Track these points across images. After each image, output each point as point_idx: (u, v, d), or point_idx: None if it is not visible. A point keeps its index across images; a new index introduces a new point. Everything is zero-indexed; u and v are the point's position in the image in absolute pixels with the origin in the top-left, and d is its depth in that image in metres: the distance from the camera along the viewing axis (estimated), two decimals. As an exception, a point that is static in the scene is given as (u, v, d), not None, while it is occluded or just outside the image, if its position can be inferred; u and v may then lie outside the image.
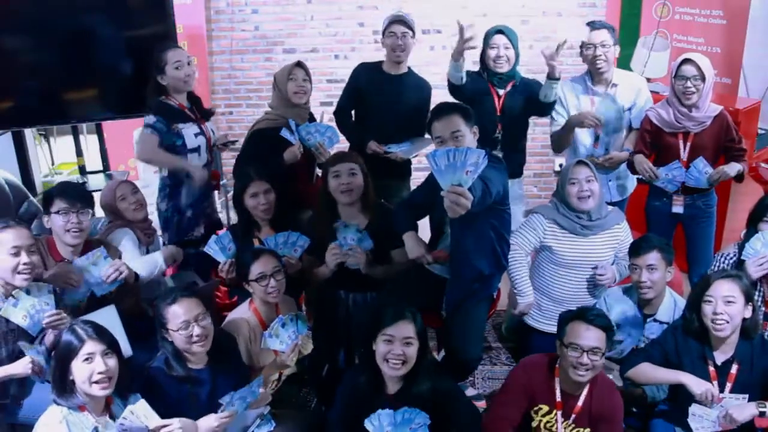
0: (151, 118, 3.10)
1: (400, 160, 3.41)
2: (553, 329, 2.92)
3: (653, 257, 2.68)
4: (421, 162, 3.39)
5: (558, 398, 2.36)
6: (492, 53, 3.19)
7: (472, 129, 2.59)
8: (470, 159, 2.06)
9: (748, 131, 3.73)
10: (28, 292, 2.37)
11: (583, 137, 3.37)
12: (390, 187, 3.45)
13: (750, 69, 4.17)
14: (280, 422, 2.43)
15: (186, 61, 3.15)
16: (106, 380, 2.07)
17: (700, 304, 2.38)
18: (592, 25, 3.23)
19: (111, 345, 2.12)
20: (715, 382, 2.40)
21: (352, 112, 3.57)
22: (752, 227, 2.83)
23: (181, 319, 2.25)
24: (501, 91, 3.25)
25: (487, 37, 3.21)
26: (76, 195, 2.64)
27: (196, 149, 3.18)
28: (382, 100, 3.42)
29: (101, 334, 2.11)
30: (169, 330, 2.27)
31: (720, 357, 2.41)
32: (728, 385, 2.40)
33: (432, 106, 3.32)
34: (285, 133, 3.09)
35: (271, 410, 2.42)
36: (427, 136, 3.34)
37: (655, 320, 2.76)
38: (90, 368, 2.05)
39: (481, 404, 3.03)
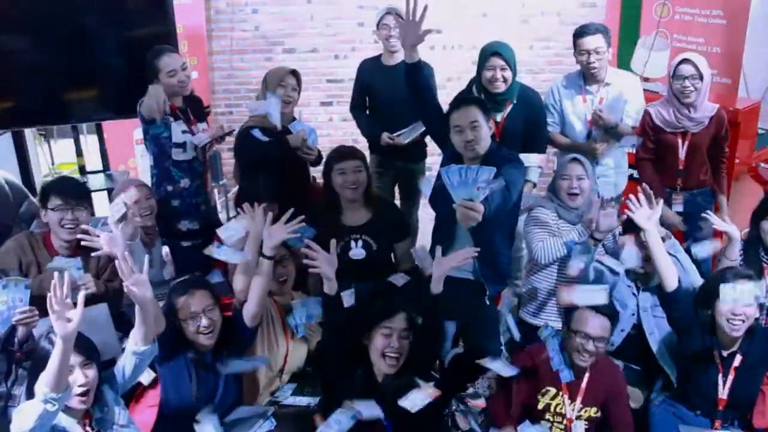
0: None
1: (404, 143, 3.57)
2: (552, 325, 2.95)
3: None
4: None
5: (563, 384, 2.43)
6: (488, 75, 3.11)
7: (488, 122, 2.67)
8: (482, 176, 2.19)
9: (748, 131, 3.73)
10: (4, 286, 2.38)
11: (576, 133, 3.37)
12: (406, 170, 3.78)
13: (750, 69, 4.17)
14: (282, 422, 2.43)
15: (180, 67, 3.12)
16: (86, 393, 2.04)
17: (714, 301, 2.42)
18: (587, 30, 3.19)
19: (90, 355, 2.07)
20: (720, 373, 2.46)
21: (366, 107, 3.77)
22: (755, 226, 2.84)
23: (190, 310, 2.35)
24: (498, 116, 3.16)
25: (483, 57, 3.13)
26: (72, 192, 2.66)
27: (181, 145, 3.17)
28: (386, 91, 3.58)
29: (80, 344, 2.03)
30: (179, 320, 2.35)
31: (725, 350, 2.48)
32: (730, 376, 2.45)
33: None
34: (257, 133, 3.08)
35: (273, 410, 2.45)
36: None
37: (647, 289, 2.78)
38: (71, 380, 1.99)
39: (479, 403, 3.03)
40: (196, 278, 2.58)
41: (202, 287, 2.44)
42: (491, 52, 3.10)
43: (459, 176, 2.21)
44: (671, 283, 2.52)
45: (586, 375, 2.45)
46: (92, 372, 2.06)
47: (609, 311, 2.43)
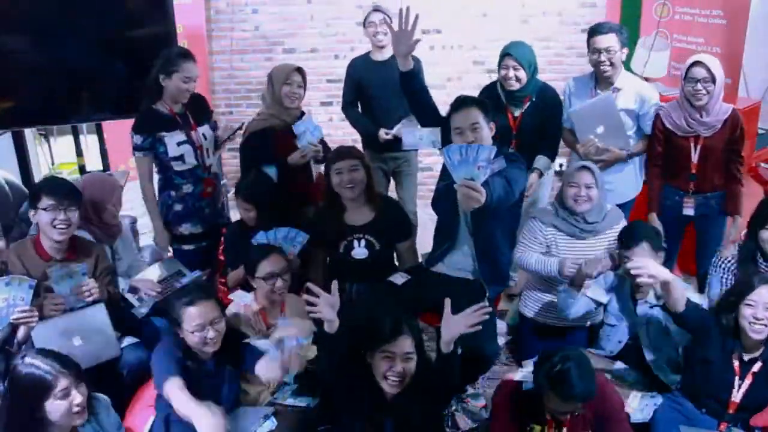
0: (137, 138, 3.10)
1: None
2: (549, 321, 3.06)
3: (642, 249, 2.67)
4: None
5: (547, 417, 2.35)
6: (502, 73, 3.24)
7: (489, 124, 2.69)
8: (482, 155, 2.18)
9: (748, 131, 3.71)
10: (7, 284, 2.38)
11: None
12: (400, 158, 3.87)
13: (750, 69, 4.16)
14: (282, 421, 2.43)
15: (194, 78, 3.10)
16: (83, 410, 2.05)
17: (738, 304, 2.41)
18: (599, 30, 3.18)
19: (78, 374, 2.06)
20: (737, 378, 2.45)
21: (358, 105, 3.83)
22: (753, 234, 2.82)
23: (197, 321, 2.28)
24: (517, 111, 3.29)
25: (500, 57, 3.26)
26: (63, 191, 2.60)
27: (179, 158, 3.14)
28: (377, 87, 3.67)
29: (67, 364, 2.05)
30: (183, 329, 2.29)
31: (746, 354, 2.46)
32: (747, 381, 2.44)
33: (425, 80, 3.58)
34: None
35: (273, 410, 2.44)
36: None
37: (646, 302, 2.77)
38: (67, 403, 2.00)
39: (480, 404, 3.03)
40: (202, 286, 2.49)
41: (208, 297, 2.36)
42: (505, 53, 3.22)
43: (459, 155, 2.20)
44: (679, 307, 2.49)
45: None
46: (84, 389, 2.06)
47: (583, 396, 2.21)
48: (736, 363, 2.46)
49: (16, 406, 2.02)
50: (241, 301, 2.65)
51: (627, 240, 2.75)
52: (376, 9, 3.65)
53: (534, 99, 3.28)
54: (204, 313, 2.29)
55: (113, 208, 3.03)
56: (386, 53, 3.66)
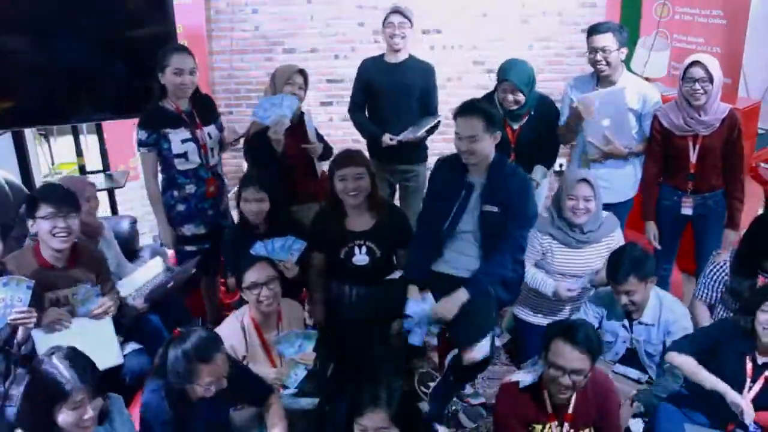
0: (142, 134, 3.09)
1: (413, 141, 3.59)
2: (544, 321, 3.06)
3: (629, 284, 2.63)
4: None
5: (549, 410, 2.34)
6: (501, 95, 3.26)
7: (492, 135, 2.69)
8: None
9: (748, 131, 3.72)
10: (5, 284, 2.36)
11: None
12: (409, 171, 3.77)
13: (750, 69, 4.17)
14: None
15: (188, 69, 3.04)
16: (93, 424, 2.00)
17: (756, 310, 2.40)
18: (597, 29, 3.19)
19: (95, 386, 1.99)
20: (748, 380, 2.43)
21: (366, 107, 3.78)
22: (753, 245, 2.78)
23: (212, 379, 2.17)
24: (515, 125, 3.32)
25: (498, 77, 3.27)
26: (62, 198, 2.54)
27: (182, 155, 3.11)
28: (389, 89, 3.63)
29: (86, 377, 1.97)
30: (194, 386, 2.18)
31: (761, 359, 2.44)
32: (759, 384, 2.42)
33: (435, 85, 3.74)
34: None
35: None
36: (431, 117, 3.65)
37: (640, 323, 2.74)
38: (77, 415, 1.94)
39: (478, 402, 3.04)
40: (211, 340, 2.23)
41: (219, 351, 2.20)
42: (502, 78, 3.23)
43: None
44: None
45: (573, 400, 2.33)
46: (99, 403, 2.01)
47: (589, 346, 2.21)
48: (749, 365, 2.44)
49: (33, 398, 1.99)
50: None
51: (613, 275, 2.67)
52: (396, 10, 3.55)
53: (533, 112, 3.30)
54: (218, 369, 2.17)
55: (88, 204, 2.96)
56: (401, 56, 3.62)
